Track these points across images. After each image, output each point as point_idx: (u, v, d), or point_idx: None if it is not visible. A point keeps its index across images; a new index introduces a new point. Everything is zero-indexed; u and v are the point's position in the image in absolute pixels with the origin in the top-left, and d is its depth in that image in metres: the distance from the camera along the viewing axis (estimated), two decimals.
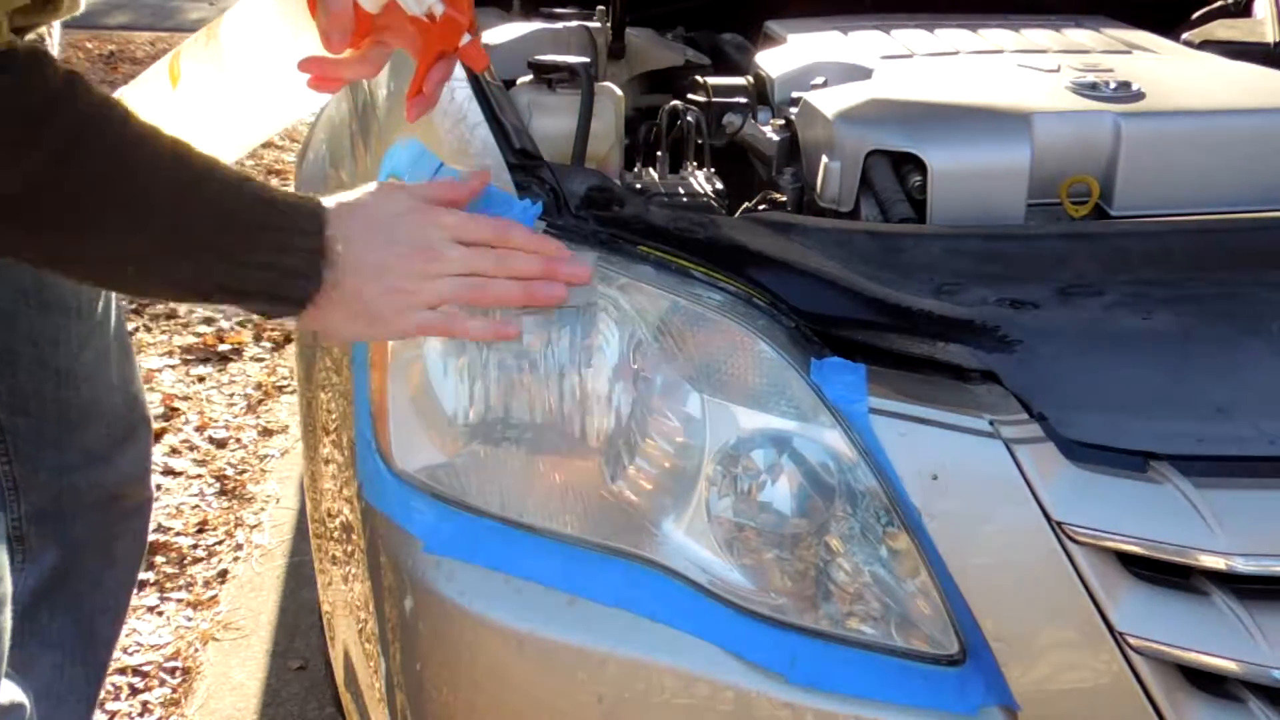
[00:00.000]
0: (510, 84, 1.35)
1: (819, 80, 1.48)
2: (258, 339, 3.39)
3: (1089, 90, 1.33)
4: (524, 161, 1.11)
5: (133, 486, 1.45)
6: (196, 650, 2.17)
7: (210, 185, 0.90)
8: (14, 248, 0.88)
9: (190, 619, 2.26)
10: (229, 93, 1.07)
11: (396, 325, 0.96)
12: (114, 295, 1.41)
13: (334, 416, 1.26)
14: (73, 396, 1.34)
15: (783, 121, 1.45)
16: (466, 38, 1.02)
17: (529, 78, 1.36)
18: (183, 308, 3.44)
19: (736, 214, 1.32)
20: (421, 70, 1.03)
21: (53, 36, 1.13)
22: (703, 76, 1.55)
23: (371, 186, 1.00)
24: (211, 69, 1.07)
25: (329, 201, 0.95)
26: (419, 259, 0.94)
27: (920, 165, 1.24)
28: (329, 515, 1.33)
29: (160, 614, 2.26)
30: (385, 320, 0.95)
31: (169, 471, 2.68)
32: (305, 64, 1.02)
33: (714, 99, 1.50)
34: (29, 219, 0.85)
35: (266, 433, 2.91)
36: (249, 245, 0.90)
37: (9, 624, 1.10)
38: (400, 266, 0.93)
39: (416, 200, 0.97)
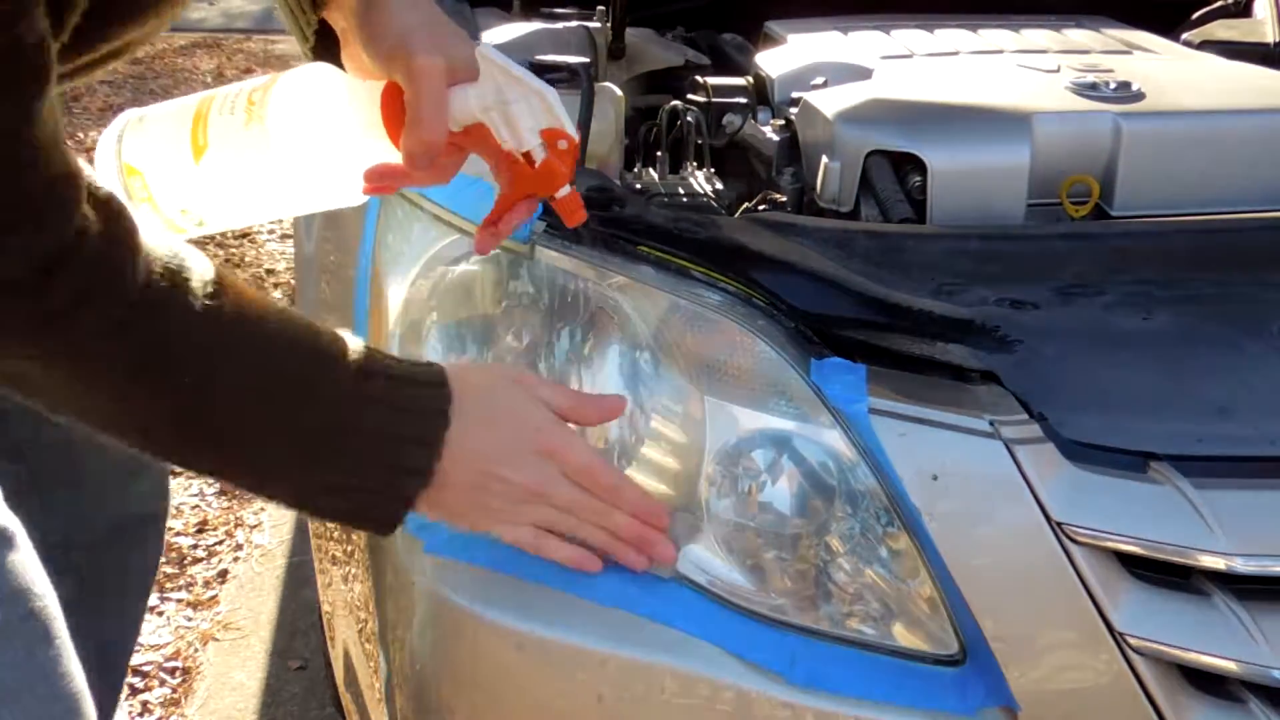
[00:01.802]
0: None
1: (819, 80, 1.48)
2: None
3: (1089, 90, 1.33)
4: None
5: (148, 506, 1.40)
6: (196, 650, 2.17)
7: (324, 388, 0.85)
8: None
9: (190, 619, 2.26)
10: (265, 177, 0.99)
11: (481, 527, 0.94)
12: None
13: None
14: (74, 434, 1.30)
15: (783, 121, 1.45)
16: (566, 189, 0.95)
17: None
18: None
19: (736, 214, 1.32)
20: (503, 206, 0.97)
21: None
22: (703, 76, 1.55)
23: (501, 372, 0.96)
24: (251, 152, 0.98)
25: (453, 374, 0.90)
26: (530, 490, 0.91)
27: (920, 165, 1.24)
28: None
29: (160, 614, 2.26)
30: (470, 521, 0.94)
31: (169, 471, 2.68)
32: (371, 174, 0.96)
33: (714, 99, 1.50)
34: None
35: None
36: (354, 467, 0.86)
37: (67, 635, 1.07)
38: (502, 485, 0.91)
39: (546, 414, 0.92)
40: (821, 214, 1.30)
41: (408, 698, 1.04)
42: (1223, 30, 1.84)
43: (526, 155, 0.94)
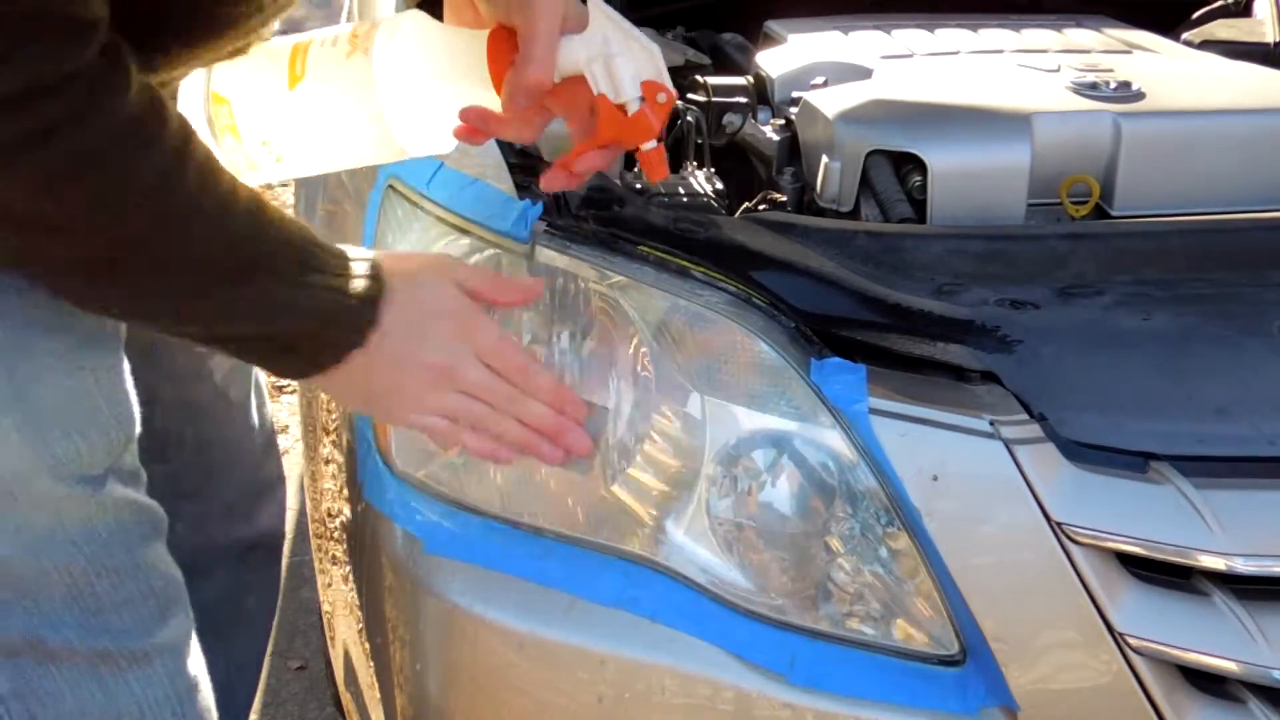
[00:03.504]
0: None
1: (819, 80, 1.48)
2: None
3: (1089, 90, 1.33)
4: (524, 161, 1.11)
5: (268, 539, 1.39)
6: None
7: (270, 229, 0.86)
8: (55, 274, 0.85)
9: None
10: (358, 113, 0.98)
11: (394, 416, 0.94)
12: None
13: (334, 416, 1.26)
14: (214, 438, 1.27)
15: (783, 121, 1.45)
16: (651, 143, 0.95)
17: None
18: None
19: (736, 214, 1.32)
20: (583, 149, 0.97)
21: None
22: (703, 76, 1.55)
23: (428, 260, 0.96)
24: (349, 84, 0.98)
25: (388, 261, 0.92)
26: (439, 370, 0.91)
27: (920, 165, 1.24)
28: (329, 515, 1.33)
29: None
30: (385, 409, 0.94)
31: None
32: (468, 113, 0.96)
33: (714, 99, 1.50)
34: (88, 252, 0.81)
35: None
36: (307, 288, 0.86)
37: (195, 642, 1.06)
38: (418, 370, 0.91)
39: (463, 300, 0.93)
40: (821, 214, 1.30)
41: (408, 698, 1.04)
42: (1223, 30, 1.83)
43: (621, 107, 0.94)
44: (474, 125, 0.97)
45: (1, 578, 0.92)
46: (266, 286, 0.86)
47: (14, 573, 0.92)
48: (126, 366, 0.96)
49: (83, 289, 0.86)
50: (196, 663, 1.02)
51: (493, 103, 0.96)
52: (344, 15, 1.52)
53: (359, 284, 0.88)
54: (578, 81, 0.95)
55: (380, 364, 0.90)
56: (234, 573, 1.29)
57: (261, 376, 1.36)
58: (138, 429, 0.97)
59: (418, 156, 1.02)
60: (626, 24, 0.96)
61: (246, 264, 0.85)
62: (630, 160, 1.51)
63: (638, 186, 1.39)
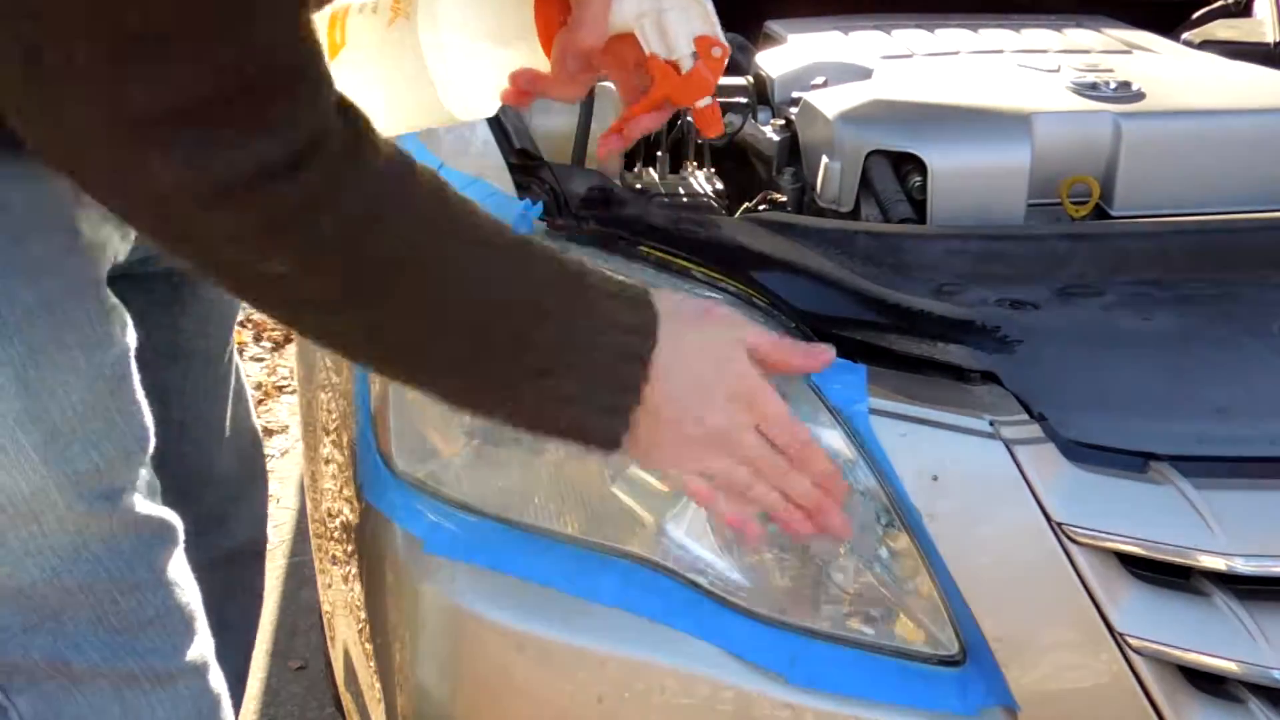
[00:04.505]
0: None
1: (819, 80, 1.48)
2: (258, 339, 3.39)
3: (1089, 90, 1.33)
4: (524, 161, 1.11)
5: (246, 544, 1.37)
6: None
7: (554, 289, 0.80)
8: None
9: None
10: (402, 78, 0.95)
11: (664, 468, 0.89)
12: (232, 336, 1.30)
13: (334, 416, 1.26)
14: (190, 452, 1.25)
15: (783, 121, 1.45)
16: (706, 100, 0.93)
17: None
18: None
19: (736, 214, 1.32)
20: (636, 111, 0.95)
21: None
22: None
23: (707, 308, 0.89)
24: (392, 50, 0.94)
25: (659, 303, 0.84)
26: (716, 429, 0.84)
27: (920, 165, 1.24)
28: (329, 515, 1.33)
29: None
30: (656, 461, 0.88)
31: None
32: (518, 76, 0.94)
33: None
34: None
35: (267, 433, 2.91)
36: (581, 371, 0.81)
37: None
38: (695, 424, 0.84)
39: (746, 356, 0.86)
40: (821, 214, 1.30)
41: (408, 698, 1.04)
42: (1223, 30, 1.84)
43: (673, 64, 0.92)
44: (523, 87, 0.94)
45: (26, 600, 0.91)
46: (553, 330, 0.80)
47: (38, 594, 0.91)
48: (138, 377, 0.95)
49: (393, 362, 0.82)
50: (218, 679, 1.02)
51: (538, 61, 0.94)
52: None
53: (630, 333, 0.82)
54: (626, 38, 0.93)
55: (660, 420, 0.84)
56: (213, 581, 1.25)
57: (245, 381, 1.35)
58: (153, 441, 0.96)
59: (466, 119, 0.99)
60: None
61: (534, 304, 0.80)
62: (630, 160, 1.51)
63: (638, 186, 1.39)
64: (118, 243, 0.98)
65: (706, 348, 0.85)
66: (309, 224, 0.71)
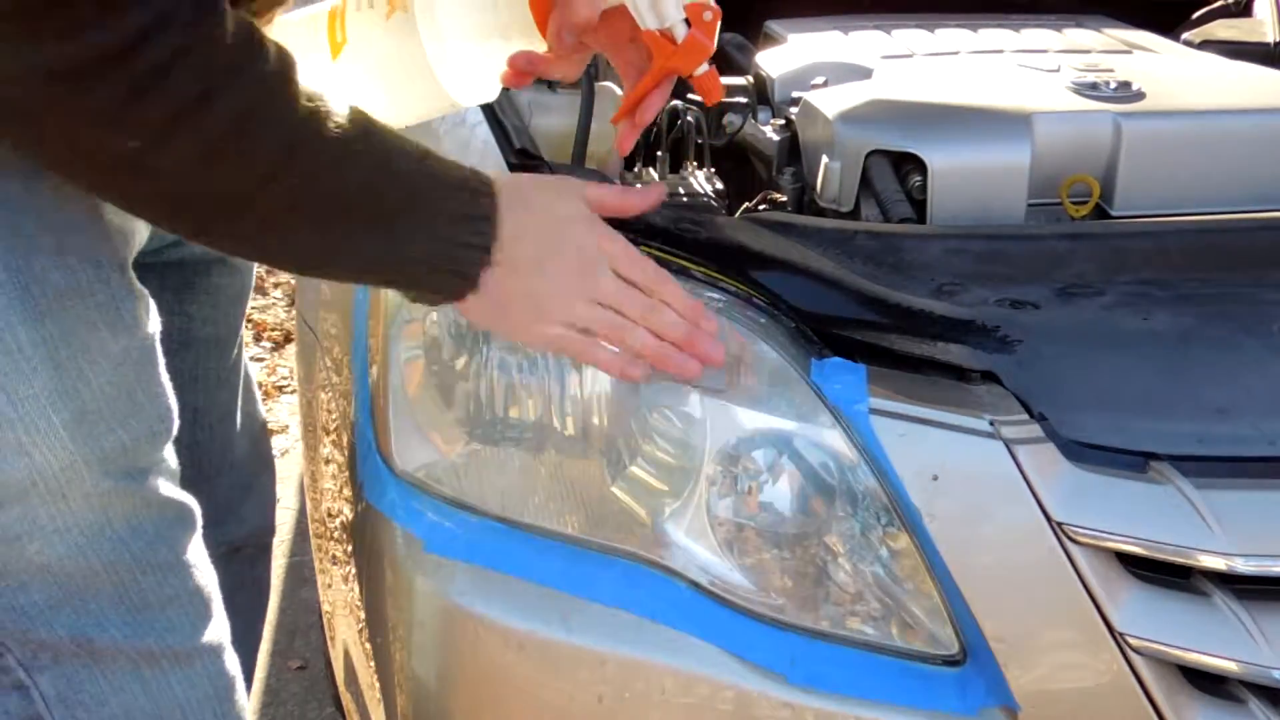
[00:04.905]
0: None
1: (819, 80, 1.48)
2: (257, 339, 3.39)
3: (1089, 90, 1.33)
4: (524, 161, 1.11)
5: (256, 534, 1.38)
6: None
7: (398, 159, 0.84)
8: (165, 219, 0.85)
9: None
10: (405, 71, 0.97)
11: (532, 331, 0.91)
12: (242, 324, 1.33)
13: (334, 416, 1.26)
14: (205, 440, 1.27)
15: (783, 121, 1.45)
16: (704, 66, 0.94)
17: None
18: None
19: (736, 214, 1.32)
20: (641, 91, 0.95)
21: None
22: None
23: (546, 177, 0.94)
24: (392, 44, 0.96)
25: (501, 177, 0.89)
26: (575, 276, 0.88)
27: (920, 165, 1.24)
28: (329, 515, 1.33)
29: None
30: (522, 324, 0.91)
31: None
32: (516, 58, 0.95)
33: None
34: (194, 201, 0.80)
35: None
36: (430, 216, 0.85)
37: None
38: (554, 277, 0.88)
39: (587, 208, 0.91)
40: (821, 214, 1.30)
41: (408, 698, 1.04)
42: (1223, 30, 1.83)
43: (666, 34, 0.93)
44: (521, 69, 0.96)
45: (52, 577, 0.92)
46: (393, 226, 0.84)
47: (64, 571, 0.92)
48: (163, 360, 0.97)
49: (213, 227, 0.84)
50: (233, 660, 1.03)
51: (535, 43, 0.95)
52: None
53: (472, 204, 0.86)
54: (617, 13, 0.93)
55: (514, 276, 0.87)
56: (225, 572, 1.28)
57: (253, 374, 1.37)
58: (176, 422, 0.98)
59: (469, 106, 1.01)
60: None
61: (377, 195, 0.84)
62: (630, 161, 1.51)
63: (638, 187, 1.39)
64: (141, 229, 1.01)
65: (550, 204, 0.90)
66: (157, 95, 0.74)
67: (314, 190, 0.82)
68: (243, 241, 0.87)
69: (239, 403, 1.32)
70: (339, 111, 0.82)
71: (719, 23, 0.95)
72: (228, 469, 1.32)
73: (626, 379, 0.92)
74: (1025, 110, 1.27)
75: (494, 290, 0.88)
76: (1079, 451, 0.92)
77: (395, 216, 0.84)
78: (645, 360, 0.91)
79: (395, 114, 1.02)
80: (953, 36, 1.65)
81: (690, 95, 1.54)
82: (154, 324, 0.96)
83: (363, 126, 0.84)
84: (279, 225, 0.83)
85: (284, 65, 0.80)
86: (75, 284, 0.89)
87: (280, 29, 1.01)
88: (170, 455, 0.99)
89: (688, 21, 0.93)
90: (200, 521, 1.01)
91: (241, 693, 1.04)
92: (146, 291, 0.97)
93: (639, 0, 0.93)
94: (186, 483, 1.06)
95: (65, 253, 0.89)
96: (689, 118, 1.46)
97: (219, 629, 1.01)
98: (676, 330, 0.90)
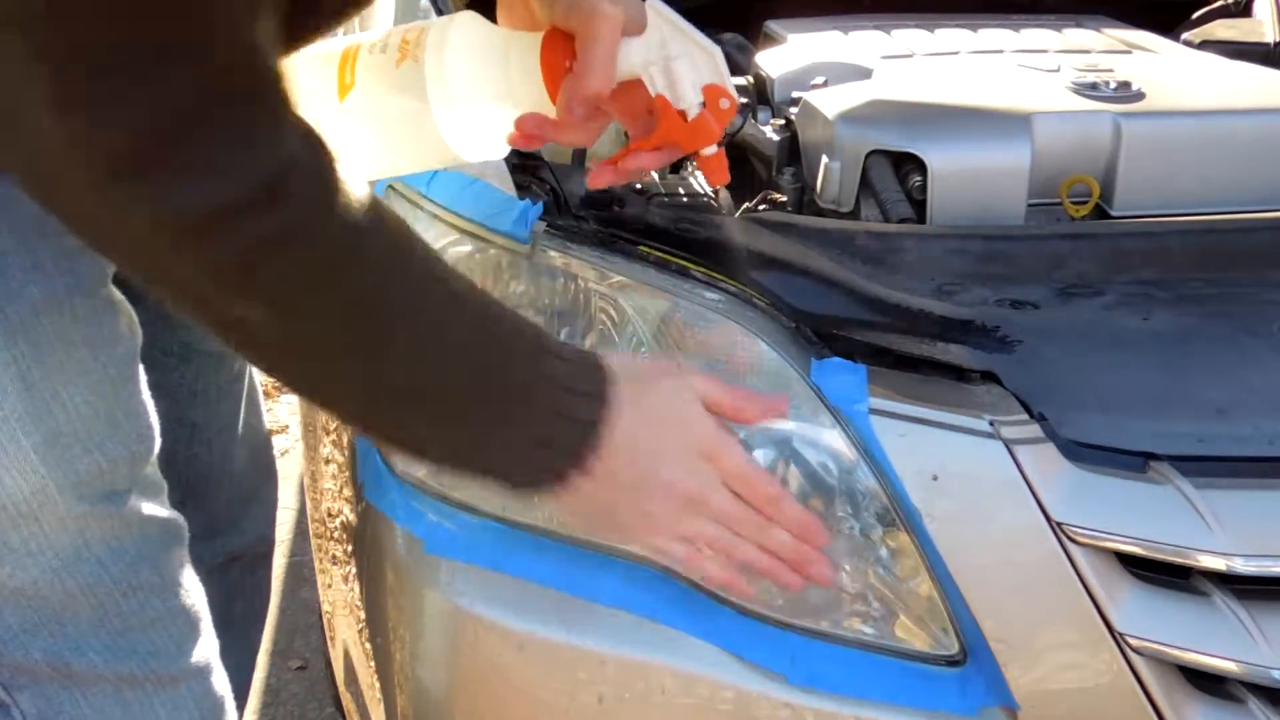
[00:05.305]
0: None
1: (819, 80, 1.48)
2: None
3: (1089, 90, 1.33)
4: (524, 161, 1.11)
5: (256, 544, 1.36)
6: None
7: (498, 327, 0.79)
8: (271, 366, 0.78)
9: None
10: (409, 119, 0.94)
11: (641, 540, 0.88)
12: None
13: None
14: (203, 454, 1.25)
15: (783, 121, 1.45)
16: (712, 148, 0.93)
17: None
18: None
19: (736, 214, 1.32)
20: (634, 148, 0.94)
21: None
22: None
23: (659, 365, 0.89)
24: (400, 91, 0.94)
25: (610, 363, 0.83)
26: (686, 493, 0.83)
27: (920, 165, 1.24)
28: (329, 515, 1.33)
29: None
30: (629, 531, 0.87)
31: None
32: (524, 122, 0.92)
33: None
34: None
35: None
36: (526, 412, 0.79)
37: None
38: (663, 489, 0.83)
39: (703, 413, 0.85)
40: (821, 214, 1.30)
41: (408, 698, 1.04)
42: (1223, 30, 1.83)
43: (682, 112, 0.92)
44: (529, 132, 0.93)
45: (26, 601, 0.91)
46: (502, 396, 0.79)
47: (38, 595, 0.90)
48: (144, 378, 0.95)
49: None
50: (221, 681, 1.01)
51: (547, 105, 0.93)
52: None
53: (581, 396, 0.81)
54: (636, 84, 0.92)
55: (614, 488, 0.82)
56: (223, 581, 1.26)
57: (256, 380, 1.35)
58: (158, 441, 0.96)
59: (471, 161, 0.99)
60: (685, 24, 0.92)
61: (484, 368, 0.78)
62: None
63: (638, 186, 1.39)
64: None
65: (664, 408, 0.84)
66: (276, 264, 0.70)
67: (425, 375, 0.77)
68: (335, 411, 0.84)
69: (241, 415, 1.30)
70: (459, 286, 0.78)
71: (735, 112, 0.93)
72: (227, 482, 1.30)
73: (735, 594, 0.90)
74: (1025, 110, 1.27)
75: (586, 494, 0.83)
76: (1079, 451, 0.92)
77: (503, 420, 0.79)
78: (758, 574, 0.88)
79: (394, 162, 1.01)
80: (953, 36, 1.65)
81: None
82: (136, 337, 0.94)
83: (481, 306, 0.80)
84: (375, 403, 0.78)
85: (402, 238, 0.77)
86: (52, 298, 0.86)
87: (294, 61, 0.99)
88: (154, 471, 0.96)
89: (703, 104, 0.92)
90: (187, 537, 0.99)
91: (230, 712, 1.02)
92: (127, 303, 0.94)
93: (655, 75, 0.91)
94: (183, 496, 1.03)
95: (43, 268, 0.86)
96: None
97: (207, 648, 0.99)
98: (788, 552, 0.87)
